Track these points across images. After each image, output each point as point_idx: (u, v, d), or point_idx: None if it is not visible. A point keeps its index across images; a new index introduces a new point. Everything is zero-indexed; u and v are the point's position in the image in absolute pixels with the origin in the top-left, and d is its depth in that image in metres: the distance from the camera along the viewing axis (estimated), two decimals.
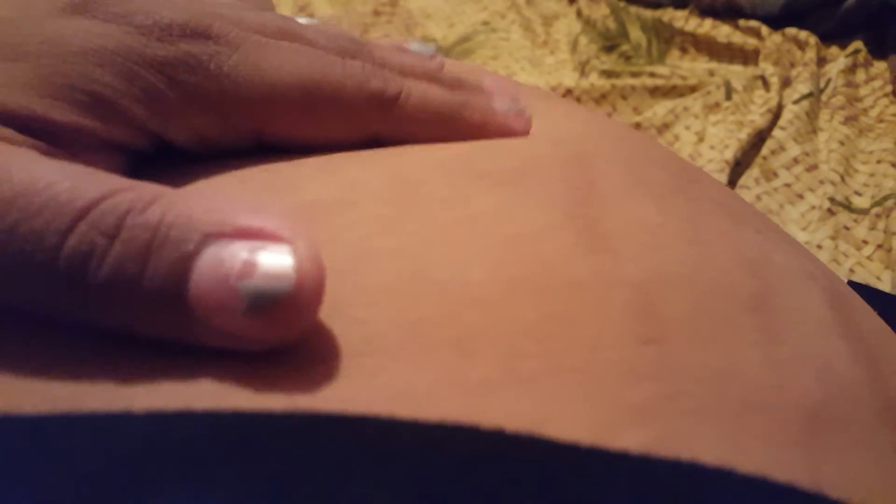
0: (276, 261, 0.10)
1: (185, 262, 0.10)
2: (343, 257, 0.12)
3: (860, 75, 0.72)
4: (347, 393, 0.10)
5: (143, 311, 0.11)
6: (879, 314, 0.18)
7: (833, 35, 0.77)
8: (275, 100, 0.15)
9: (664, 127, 0.67)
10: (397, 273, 0.12)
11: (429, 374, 0.11)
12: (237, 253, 0.10)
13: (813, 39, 0.75)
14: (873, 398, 0.13)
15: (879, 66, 0.73)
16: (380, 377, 0.11)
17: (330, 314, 0.11)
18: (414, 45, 0.21)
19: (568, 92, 0.70)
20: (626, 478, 0.10)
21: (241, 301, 0.10)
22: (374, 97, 0.16)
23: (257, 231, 0.11)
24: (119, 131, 0.14)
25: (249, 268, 0.10)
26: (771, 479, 0.10)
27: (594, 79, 0.73)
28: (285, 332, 0.11)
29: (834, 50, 0.76)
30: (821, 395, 0.12)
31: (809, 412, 0.12)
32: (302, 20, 0.20)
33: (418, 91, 0.17)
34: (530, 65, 0.77)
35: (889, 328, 0.17)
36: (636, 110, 0.70)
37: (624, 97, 0.70)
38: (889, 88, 0.70)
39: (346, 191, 0.14)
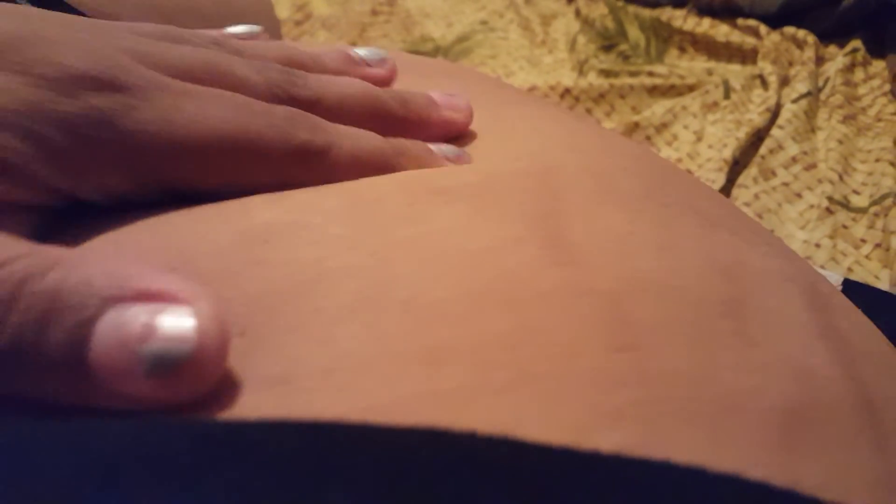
0: (176, 323, 0.10)
1: (85, 328, 0.10)
2: (299, 280, 0.12)
3: (859, 74, 0.72)
4: (319, 406, 0.10)
5: (44, 379, 0.11)
6: (877, 313, 0.18)
7: (831, 34, 0.77)
8: (188, 155, 0.14)
9: (662, 126, 0.67)
10: (357, 293, 0.12)
11: (400, 387, 0.11)
12: (137, 317, 0.10)
13: (811, 38, 0.75)
14: (851, 398, 0.13)
15: (878, 65, 0.73)
16: (348, 391, 0.11)
17: (292, 338, 0.11)
18: (362, 52, 0.21)
19: (566, 91, 0.70)
20: (599, 480, 0.10)
21: (141, 364, 0.10)
22: (300, 151, 0.15)
23: (157, 293, 0.11)
24: (24, 193, 0.14)
25: (149, 331, 0.10)
26: (743, 478, 0.10)
27: (592, 78, 0.73)
28: (189, 392, 0.11)
29: (832, 49, 0.76)
30: (797, 397, 0.12)
31: (785, 413, 0.12)
32: (361, 51, 0.20)
33: (349, 142, 0.16)
34: (528, 64, 0.77)
35: (874, 327, 0.17)
36: (634, 109, 0.70)
37: (622, 96, 0.70)
38: (887, 87, 0.70)
39: (299, 213, 0.14)
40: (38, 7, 0.30)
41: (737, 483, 0.10)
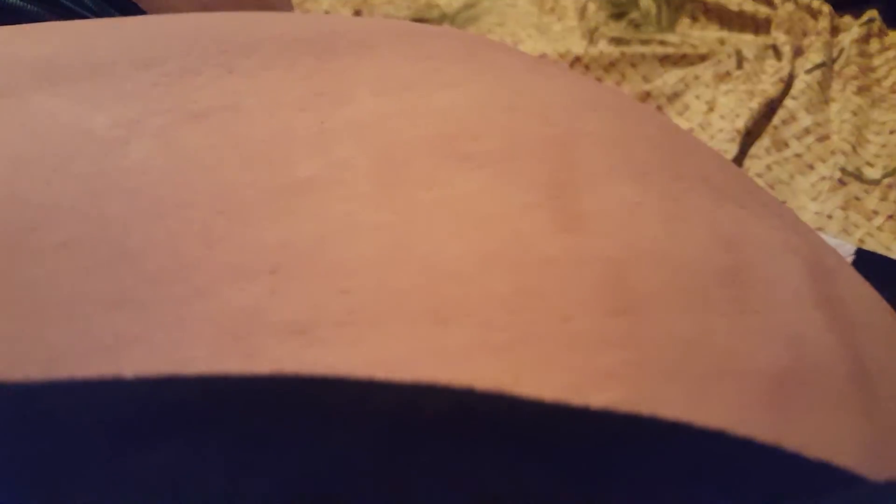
0: None
1: None
2: (329, 230, 0.13)
3: (874, 45, 0.71)
4: (329, 360, 0.11)
5: None
6: (889, 282, 0.19)
7: (846, 4, 0.75)
8: None
9: (674, 96, 0.66)
10: (379, 247, 0.13)
11: (406, 343, 0.11)
12: None
13: (826, 8, 0.74)
14: (845, 365, 0.14)
15: (894, 36, 0.72)
16: (360, 346, 0.11)
17: (316, 284, 0.12)
18: None
19: (576, 60, 0.69)
20: (590, 434, 0.11)
21: None
22: None
23: None
24: None
25: None
26: (729, 433, 0.11)
27: (603, 46, 0.72)
28: None
29: (847, 19, 0.75)
30: (789, 362, 0.13)
31: (776, 377, 0.13)
32: None
33: None
34: (537, 32, 0.75)
35: (881, 299, 0.18)
36: (645, 79, 0.69)
37: (633, 65, 0.69)
38: None
39: (336, 169, 0.14)
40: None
41: (721, 438, 0.11)
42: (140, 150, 0.14)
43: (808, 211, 0.61)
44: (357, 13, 0.84)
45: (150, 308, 0.11)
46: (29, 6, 0.26)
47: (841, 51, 0.70)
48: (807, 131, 0.65)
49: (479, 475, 0.10)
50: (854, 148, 0.63)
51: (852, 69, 0.68)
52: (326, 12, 0.86)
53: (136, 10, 0.30)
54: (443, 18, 0.81)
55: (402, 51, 0.19)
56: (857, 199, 0.61)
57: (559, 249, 0.14)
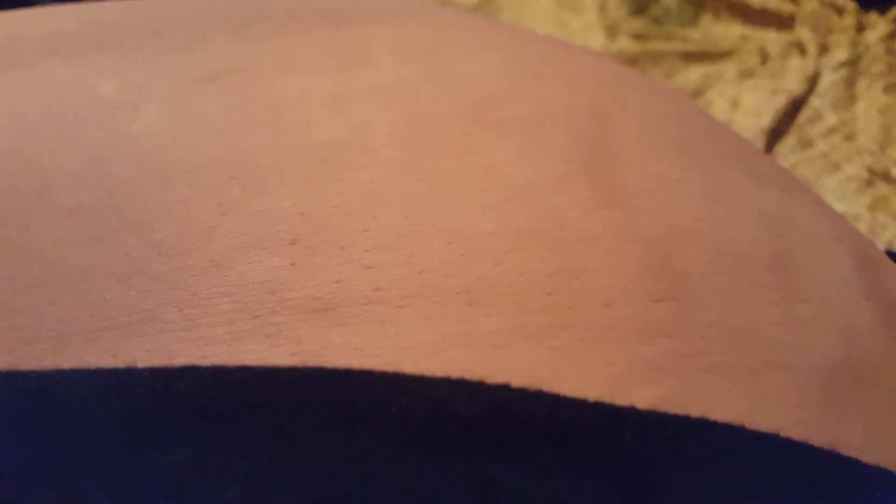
0: None
1: None
2: (352, 198, 0.12)
3: None
4: (355, 342, 0.10)
5: None
6: None
7: (872, 0, 0.74)
8: None
9: (696, 93, 0.65)
10: (406, 217, 0.12)
11: (436, 326, 0.11)
12: None
13: (851, 5, 0.72)
14: None
15: None
16: (388, 327, 0.11)
17: (339, 257, 0.11)
18: None
19: None
20: (634, 436, 0.10)
21: None
22: None
23: None
24: None
25: None
26: (783, 437, 0.10)
27: (623, 42, 0.71)
28: None
29: (873, 16, 0.74)
30: (842, 356, 0.12)
31: (829, 372, 0.12)
32: None
33: None
34: (556, 27, 0.74)
35: None
36: (667, 75, 0.68)
37: (654, 62, 0.68)
38: None
39: (358, 133, 0.14)
40: None
41: (777, 442, 0.10)
42: (149, 115, 0.13)
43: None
44: None
45: (162, 281, 0.10)
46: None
47: (867, 48, 0.69)
48: (833, 130, 0.63)
49: (514, 483, 0.09)
50: (882, 147, 0.62)
51: (879, 67, 0.67)
52: None
53: None
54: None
55: (423, 20, 0.19)
56: (886, 199, 0.59)
57: (599, 227, 0.13)
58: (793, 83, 0.65)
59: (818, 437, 0.11)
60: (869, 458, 0.11)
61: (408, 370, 0.10)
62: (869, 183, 0.60)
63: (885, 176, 0.61)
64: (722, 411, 0.11)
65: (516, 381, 0.10)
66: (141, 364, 0.10)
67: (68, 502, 0.08)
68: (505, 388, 0.10)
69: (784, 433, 0.10)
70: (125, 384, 0.09)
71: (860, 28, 0.71)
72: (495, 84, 0.16)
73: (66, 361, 0.10)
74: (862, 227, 0.59)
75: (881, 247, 0.57)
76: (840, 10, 0.73)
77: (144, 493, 0.09)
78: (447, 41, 0.17)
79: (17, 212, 0.11)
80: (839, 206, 0.60)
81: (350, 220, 0.12)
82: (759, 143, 0.61)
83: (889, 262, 0.17)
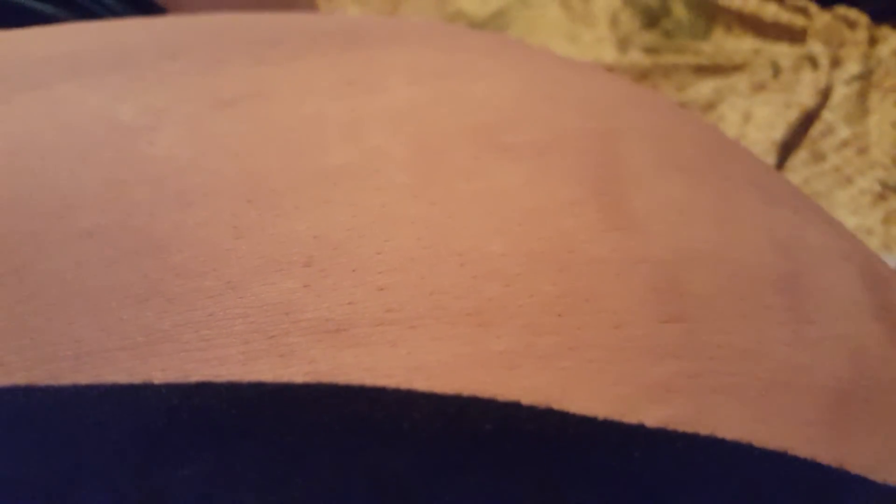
0: None
1: None
2: (365, 221, 0.12)
3: None
4: (367, 362, 0.10)
5: None
6: None
7: (885, 14, 0.74)
8: None
9: (708, 106, 0.65)
10: (417, 241, 0.12)
11: (447, 346, 0.11)
12: None
13: (864, 19, 0.72)
14: None
15: None
16: (399, 348, 0.11)
17: (352, 279, 0.11)
18: None
19: (608, 69, 0.68)
20: (644, 454, 0.10)
21: None
22: None
23: None
24: None
25: None
26: (791, 455, 0.10)
27: (635, 56, 0.71)
28: None
29: (885, 29, 0.73)
30: (851, 376, 0.12)
31: (838, 393, 0.12)
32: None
33: None
34: (567, 40, 0.75)
35: None
36: (679, 89, 0.68)
37: (666, 75, 0.68)
38: None
39: (371, 157, 0.14)
40: None
41: (784, 460, 0.10)
42: (166, 138, 0.13)
43: (848, 224, 0.59)
44: None
45: (178, 302, 0.11)
46: (62, 14, 0.26)
47: (879, 62, 0.69)
48: (845, 143, 0.63)
49: (524, 499, 0.10)
50: (894, 161, 0.62)
51: (891, 80, 0.67)
52: None
53: (160, 13, 0.30)
54: (471, 27, 0.81)
55: (434, 43, 0.19)
56: None
57: (608, 249, 0.13)
58: (805, 97, 0.65)
59: (826, 455, 0.11)
60: (878, 476, 0.11)
61: (419, 388, 0.10)
62: (882, 196, 0.60)
63: None
64: (730, 430, 0.11)
65: (526, 399, 0.10)
66: (157, 381, 0.10)
67: None
68: (515, 406, 0.10)
69: (792, 451, 0.10)
70: (141, 399, 0.10)
71: (873, 42, 0.71)
72: (507, 107, 0.17)
73: (84, 378, 0.10)
74: (875, 240, 0.58)
75: (894, 261, 0.56)
76: (852, 24, 0.73)
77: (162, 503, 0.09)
78: (458, 64, 0.18)
79: (37, 233, 0.11)
80: (852, 220, 0.60)
81: (363, 242, 0.12)
82: (772, 157, 0.61)
83: None
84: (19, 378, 0.10)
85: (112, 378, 0.10)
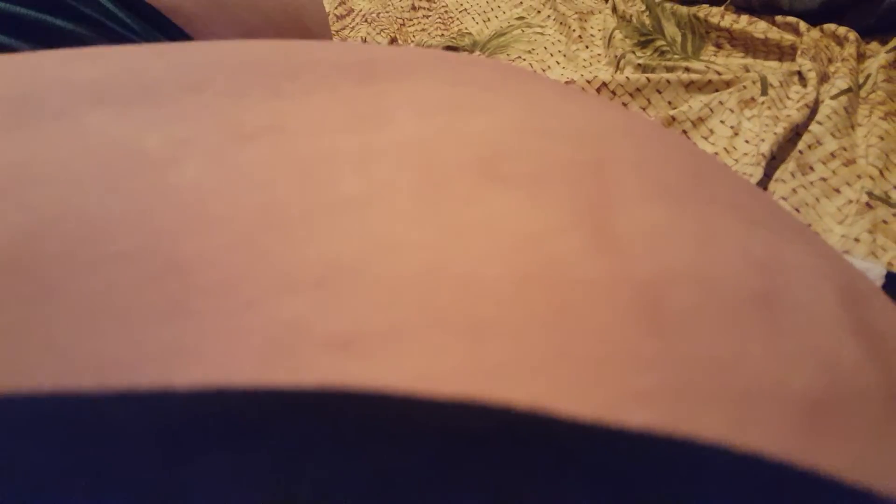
0: None
1: None
2: (371, 248, 0.13)
3: None
4: (373, 372, 0.11)
5: None
6: None
7: (873, 31, 0.76)
8: None
9: (699, 121, 0.67)
10: (419, 265, 0.13)
11: (447, 359, 0.12)
12: None
13: (852, 35, 0.74)
14: (882, 389, 0.14)
15: None
16: (402, 359, 0.12)
17: (359, 299, 0.12)
18: None
19: (603, 86, 0.71)
20: (625, 453, 0.11)
21: None
22: None
23: None
24: None
25: None
26: (766, 457, 0.11)
27: (629, 73, 0.73)
28: None
29: (874, 45, 0.75)
30: (824, 387, 0.13)
31: (812, 402, 0.13)
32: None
33: None
34: (565, 59, 0.77)
35: None
36: (671, 104, 0.70)
37: (659, 91, 0.70)
38: None
39: (379, 188, 0.15)
40: (124, 11, 0.31)
41: (759, 462, 0.11)
42: (191, 169, 0.14)
43: (835, 234, 0.61)
44: (392, 41, 0.87)
45: (201, 319, 0.12)
46: (79, 29, 0.27)
47: (867, 77, 0.71)
48: (832, 156, 0.65)
49: (519, 491, 0.11)
50: (881, 172, 0.64)
51: (879, 95, 0.68)
52: (363, 40, 0.89)
53: (181, 36, 0.31)
54: (474, 46, 0.84)
55: (439, 77, 0.20)
56: (885, 222, 0.61)
57: (594, 271, 0.14)
58: (793, 111, 0.67)
59: (800, 458, 0.12)
60: (851, 477, 0.12)
61: (420, 391, 0.11)
62: (869, 206, 0.62)
63: (886, 200, 0.63)
64: (707, 433, 0.11)
65: (517, 402, 0.11)
66: (178, 387, 0.11)
67: None
68: (507, 409, 0.11)
69: (766, 453, 0.11)
70: (162, 402, 0.11)
71: (860, 58, 0.73)
72: (505, 140, 0.18)
73: (107, 386, 0.11)
74: (862, 248, 0.60)
75: (882, 269, 0.58)
76: (841, 41, 0.75)
77: (177, 501, 0.10)
78: (461, 98, 0.19)
79: (66, 257, 0.12)
80: (839, 230, 0.61)
81: (370, 266, 0.13)
82: (760, 169, 0.63)
83: (881, 296, 0.18)
84: (44, 387, 0.11)
85: (135, 386, 0.11)
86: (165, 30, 0.31)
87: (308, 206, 0.14)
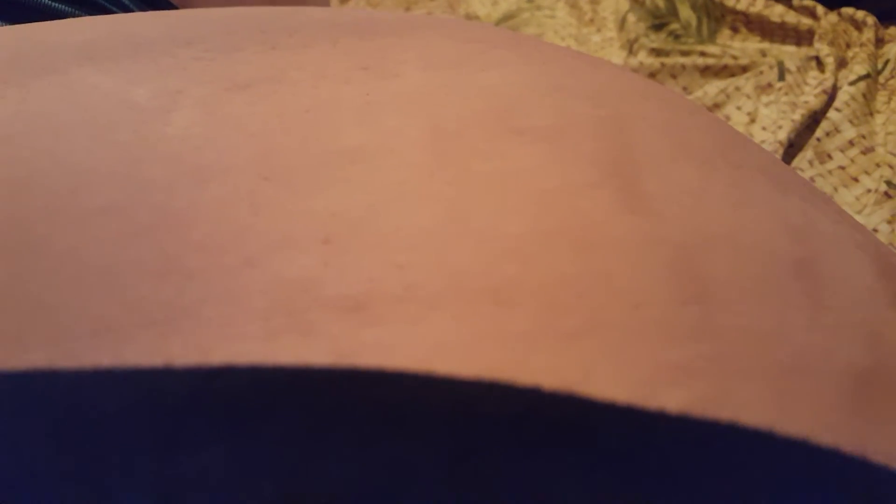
0: None
1: None
2: (382, 199, 0.12)
3: None
4: (387, 341, 0.10)
5: None
6: None
7: (893, 14, 0.74)
8: None
9: (715, 107, 0.66)
10: (435, 218, 0.12)
11: (467, 326, 0.11)
12: None
13: (871, 19, 0.73)
14: None
15: None
16: (419, 326, 0.11)
17: (371, 256, 0.11)
18: None
19: None
20: (664, 439, 0.10)
21: None
22: None
23: None
24: None
25: None
26: (813, 442, 0.10)
27: (643, 57, 0.72)
28: None
29: (893, 30, 0.74)
30: (869, 363, 0.12)
31: (857, 378, 0.12)
32: None
33: None
34: (576, 42, 0.76)
35: None
36: (686, 89, 0.68)
37: (674, 76, 0.69)
38: None
39: (386, 138, 0.14)
40: None
41: (805, 447, 0.10)
42: (182, 119, 0.13)
43: None
44: None
45: (198, 278, 0.11)
46: (74, 11, 0.26)
47: (886, 62, 0.69)
48: (851, 143, 0.64)
49: (546, 483, 0.10)
50: None
51: None
52: None
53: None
54: None
55: (446, 33, 0.19)
56: None
57: (625, 231, 0.13)
58: (811, 97, 0.65)
59: (847, 442, 0.11)
60: None
61: (439, 370, 0.10)
62: (888, 195, 0.60)
63: None
64: (751, 415, 0.11)
65: (547, 381, 0.10)
66: (178, 362, 0.10)
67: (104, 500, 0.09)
68: (536, 390, 0.10)
69: (813, 438, 0.10)
70: (162, 383, 0.10)
71: (879, 43, 0.71)
72: (519, 94, 0.17)
73: (104, 358, 0.10)
74: (881, 238, 0.59)
75: None
76: (859, 25, 0.73)
77: (181, 492, 0.09)
78: (471, 53, 0.18)
79: (52, 210, 0.11)
80: (857, 220, 0.60)
81: (381, 220, 0.12)
82: (777, 157, 0.62)
83: None
84: (38, 357, 0.10)
85: (133, 358, 0.10)
86: (156, 4, 0.31)
87: (310, 156, 0.13)
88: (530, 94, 0.17)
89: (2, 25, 0.25)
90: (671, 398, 0.11)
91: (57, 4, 0.26)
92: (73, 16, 0.28)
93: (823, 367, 0.12)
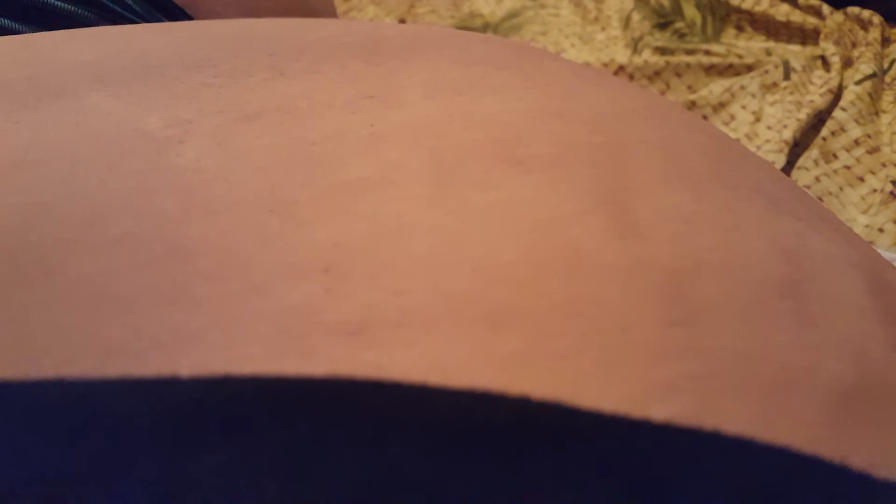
0: None
1: None
2: (382, 230, 0.13)
3: None
4: (384, 362, 0.11)
5: None
6: None
7: None
8: None
9: (720, 106, 0.66)
10: (432, 247, 0.13)
11: (461, 347, 0.11)
12: None
13: (877, 19, 0.72)
14: None
15: None
16: (415, 348, 0.11)
17: (370, 284, 0.12)
18: None
19: (620, 69, 0.69)
20: (650, 448, 0.10)
21: None
22: None
23: None
24: None
25: None
26: (793, 450, 0.11)
27: (647, 56, 0.71)
28: None
29: None
30: (854, 378, 0.13)
31: (841, 394, 0.12)
32: None
33: None
34: (580, 41, 0.75)
35: None
36: (690, 88, 0.68)
37: (678, 75, 0.69)
38: None
39: (388, 171, 0.14)
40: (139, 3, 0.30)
41: (786, 455, 0.11)
42: (194, 150, 0.14)
43: (859, 224, 0.59)
44: (401, 23, 0.85)
45: (206, 305, 0.11)
46: (80, 11, 0.27)
47: (892, 62, 0.69)
48: (856, 143, 0.63)
49: (538, 487, 0.10)
50: None
51: None
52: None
53: (183, 16, 0.31)
54: (486, 28, 0.82)
55: (450, 55, 0.19)
56: None
57: (614, 257, 0.13)
58: (816, 96, 0.65)
59: (829, 452, 0.11)
60: (881, 473, 0.11)
61: (434, 383, 0.11)
62: (893, 195, 0.60)
63: None
64: (733, 427, 0.11)
65: (536, 395, 0.11)
66: (184, 375, 0.10)
67: None
68: (525, 400, 0.10)
69: (793, 447, 0.11)
70: (168, 391, 0.10)
71: (885, 42, 0.71)
72: (518, 122, 0.17)
73: (113, 374, 0.10)
74: (886, 239, 0.59)
75: None
76: (865, 25, 0.73)
77: (187, 494, 0.09)
78: (474, 78, 0.18)
79: (69, 239, 0.12)
80: (862, 220, 0.60)
81: (380, 250, 0.12)
82: (782, 156, 0.61)
83: None
84: (50, 375, 0.11)
85: (140, 374, 0.10)
86: (167, 11, 0.31)
87: (315, 189, 0.14)
88: (530, 122, 0.18)
89: (8, 23, 0.25)
90: (656, 411, 0.11)
91: (63, 4, 0.26)
92: (80, 16, 0.28)
93: (806, 382, 0.12)
